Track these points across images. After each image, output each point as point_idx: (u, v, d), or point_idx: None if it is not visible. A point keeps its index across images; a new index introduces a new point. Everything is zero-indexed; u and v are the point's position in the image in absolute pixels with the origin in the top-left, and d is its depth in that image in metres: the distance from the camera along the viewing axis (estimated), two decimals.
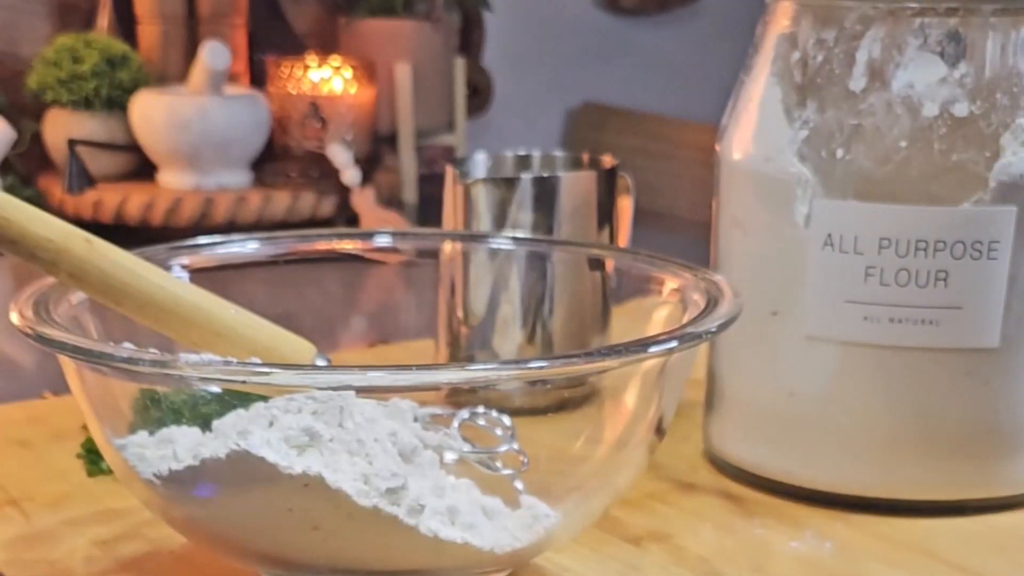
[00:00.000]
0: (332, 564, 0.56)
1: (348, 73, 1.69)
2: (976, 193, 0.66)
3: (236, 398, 0.58)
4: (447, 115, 1.88)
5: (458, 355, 0.84)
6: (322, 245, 0.74)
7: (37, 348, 0.54)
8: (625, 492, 0.64)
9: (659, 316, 0.68)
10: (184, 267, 0.70)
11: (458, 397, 0.63)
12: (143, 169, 2.16)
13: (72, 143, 2.09)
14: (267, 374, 0.52)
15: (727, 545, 0.67)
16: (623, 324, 0.81)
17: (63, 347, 0.53)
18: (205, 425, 0.58)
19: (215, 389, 0.58)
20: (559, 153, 0.91)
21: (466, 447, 0.62)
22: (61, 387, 0.62)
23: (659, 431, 0.62)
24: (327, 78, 1.69)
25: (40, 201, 2.07)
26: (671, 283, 0.67)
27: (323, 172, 1.61)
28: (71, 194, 2.07)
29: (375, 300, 0.93)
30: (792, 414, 0.72)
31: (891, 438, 0.70)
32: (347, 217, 1.61)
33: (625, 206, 0.88)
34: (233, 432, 0.55)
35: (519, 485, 0.61)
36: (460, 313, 0.83)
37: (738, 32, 2.59)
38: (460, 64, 1.89)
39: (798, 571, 0.65)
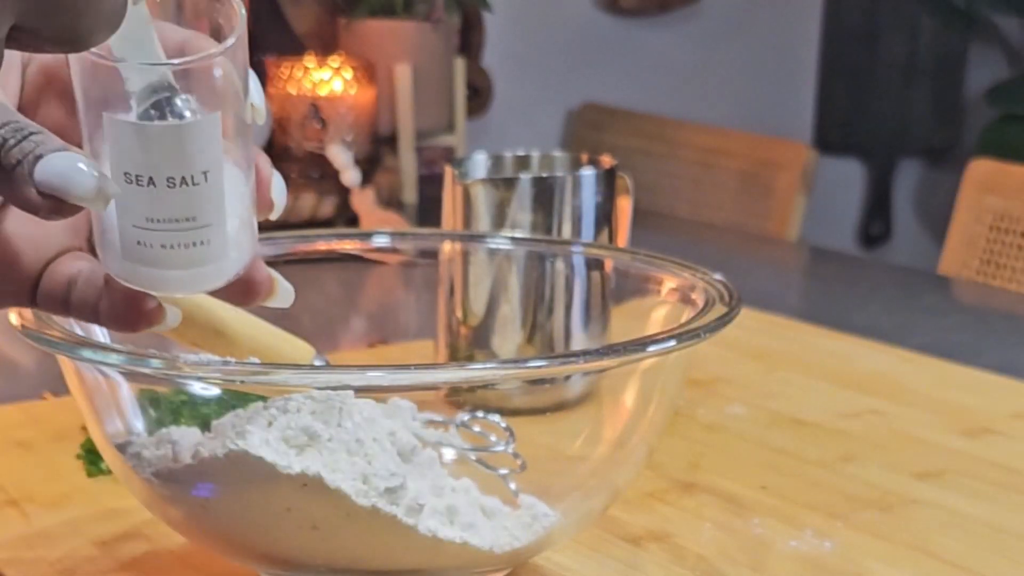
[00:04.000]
0: (331, 563, 0.56)
1: (348, 74, 1.69)
2: None
3: (235, 398, 0.58)
4: (447, 116, 1.88)
5: (457, 355, 0.84)
6: (322, 245, 0.74)
7: (37, 348, 0.54)
8: (624, 491, 0.64)
9: (658, 316, 0.68)
10: None
11: (457, 397, 0.63)
12: None
13: None
14: (266, 374, 0.52)
15: (726, 544, 0.67)
16: (622, 324, 0.81)
17: (62, 347, 0.53)
18: (204, 425, 0.58)
19: (214, 389, 0.59)
20: (559, 153, 0.91)
21: (465, 445, 0.62)
22: (61, 387, 0.62)
23: (658, 430, 0.62)
24: (327, 79, 1.69)
25: None
26: (670, 283, 0.67)
27: (323, 173, 1.61)
28: None
29: (375, 300, 0.93)
30: None
31: None
32: (347, 217, 1.60)
33: (624, 206, 0.88)
34: (232, 432, 0.55)
35: (512, 486, 0.61)
36: (459, 313, 0.83)
37: (738, 32, 2.59)
38: (460, 64, 1.89)
39: (797, 570, 0.65)
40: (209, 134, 0.42)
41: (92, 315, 0.45)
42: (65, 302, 0.45)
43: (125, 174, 0.42)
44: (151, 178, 0.42)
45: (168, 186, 0.42)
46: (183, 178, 0.42)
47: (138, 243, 0.43)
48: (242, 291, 0.46)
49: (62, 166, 0.40)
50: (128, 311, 0.45)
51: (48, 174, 0.40)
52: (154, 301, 0.45)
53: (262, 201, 0.46)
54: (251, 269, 0.46)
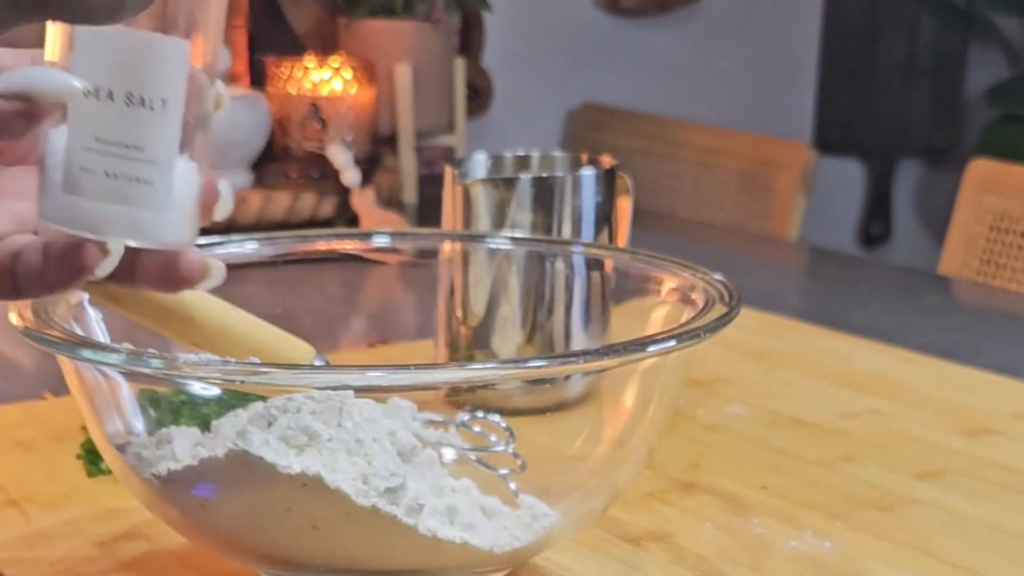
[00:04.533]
0: (331, 563, 0.56)
1: (348, 74, 1.69)
2: None
3: (235, 398, 0.58)
4: (447, 116, 1.88)
5: (457, 355, 0.84)
6: (322, 245, 0.74)
7: (37, 348, 0.54)
8: (624, 491, 0.64)
9: (658, 316, 0.68)
10: None
11: (457, 397, 0.63)
12: None
13: None
14: (266, 374, 0.52)
15: (726, 544, 0.67)
16: (622, 324, 0.81)
17: (62, 348, 0.53)
18: (204, 425, 0.58)
19: (214, 389, 0.59)
20: (559, 153, 0.91)
21: (465, 445, 0.62)
22: (61, 387, 0.62)
23: (658, 430, 0.62)
24: (327, 79, 1.69)
25: None
26: (670, 283, 0.67)
27: (323, 173, 1.61)
28: None
29: (375, 300, 0.93)
30: None
31: None
32: (347, 217, 1.60)
33: (624, 206, 0.88)
34: (232, 432, 0.55)
35: (512, 486, 0.61)
36: (459, 313, 0.83)
37: (738, 32, 2.58)
38: (460, 65, 1.89)
39: (797, 570, 0.65)
40: (176, 58, 0.43)
41: (38, 282, 0.46)
42: (12, 274, 0.46)
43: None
44: (111, 91, 0.43)
45: (125, 103, 0.43)
46: (141, 97, 0.43)
47: (82, 169, 0.43)
48: (175, 272, 0.47)
49: (27, 72, 0.42)
50: (66, 259, 0.45)
51: (14, 80, 0.42)
52: (91, 243, 0.45)
53: (208, 192, 0.47)
54: (186, 252, 0.46)
